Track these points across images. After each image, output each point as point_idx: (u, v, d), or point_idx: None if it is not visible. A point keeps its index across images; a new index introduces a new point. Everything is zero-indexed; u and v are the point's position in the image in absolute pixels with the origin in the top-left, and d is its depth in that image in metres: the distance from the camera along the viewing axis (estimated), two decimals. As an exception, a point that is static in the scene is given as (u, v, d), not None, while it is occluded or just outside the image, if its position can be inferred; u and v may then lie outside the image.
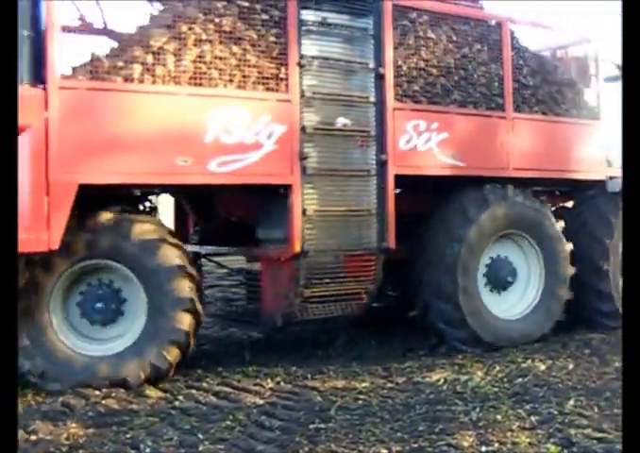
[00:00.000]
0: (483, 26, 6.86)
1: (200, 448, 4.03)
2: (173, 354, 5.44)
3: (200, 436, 4.24)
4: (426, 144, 6.42)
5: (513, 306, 6.93)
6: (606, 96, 7.68)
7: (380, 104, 6.19)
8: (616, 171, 7.58)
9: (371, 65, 6.17)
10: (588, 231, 7.44)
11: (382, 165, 6.18)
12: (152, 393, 5.18)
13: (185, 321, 5.45)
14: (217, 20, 5.48)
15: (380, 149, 6.17)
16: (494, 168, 6.84)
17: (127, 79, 5.16)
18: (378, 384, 5.43)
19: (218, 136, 5.44)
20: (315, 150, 5.88)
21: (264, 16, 5.68)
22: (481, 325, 6.51)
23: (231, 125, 5.49)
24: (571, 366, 5.89)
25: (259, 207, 6.24)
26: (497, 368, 5.82)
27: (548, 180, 7.41)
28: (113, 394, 5.07)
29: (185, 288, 5.44)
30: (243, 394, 5.19)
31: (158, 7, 5.28)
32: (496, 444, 3.98)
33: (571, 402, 4.78)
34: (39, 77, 4.95)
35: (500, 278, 6.81)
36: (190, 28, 5.37)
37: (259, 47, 5.64)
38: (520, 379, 5.45)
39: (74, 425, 4.44)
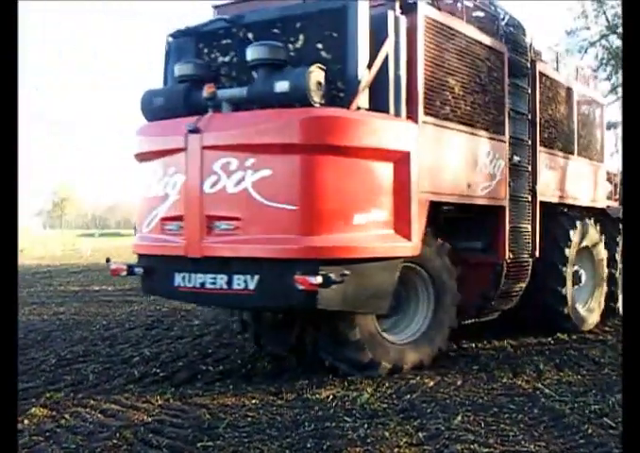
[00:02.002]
0: (564, 88, 9.13)
1: (87, 467, 3.97)
2: (447, 337, 6.77)
3: (87, 455, 4.16)
4: (550, 179, 8.49)
5: (581, 302, 9.25)
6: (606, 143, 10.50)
7: (533, 145, 8.12)
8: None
9: (528, 116, 8.07)
10: None
11: (534, 193, 8.10)
12: (37, 411, 5.08)
13: (454, 311, 6.80)
14: (479, 75, 6.97)
15: (533, 181, 8.09)
16: (568, 197, 9.13)
17: (443, 118, 6.43)
18: (267, 401, 5.38)
19: (481, 166, 6.94)
20: (509, 180, 7.61)
21: (495, 74, 7.28)
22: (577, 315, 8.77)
23: (486, 159, 7.02)
24: (459, 382, 5.96)
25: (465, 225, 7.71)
26: (387, 384, 5.81)
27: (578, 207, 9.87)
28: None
29: (455, 284, 6.78)
30: (130, 411, 5.09)
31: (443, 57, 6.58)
32: (385, 460, 4.00)
33: (459, 418, 4.80)
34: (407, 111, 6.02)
35: (576, 280, 9.05)
36: (468, 80, 6.80)
37: (492, 98, 7.23)
38: (409, 396, 5.46)
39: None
